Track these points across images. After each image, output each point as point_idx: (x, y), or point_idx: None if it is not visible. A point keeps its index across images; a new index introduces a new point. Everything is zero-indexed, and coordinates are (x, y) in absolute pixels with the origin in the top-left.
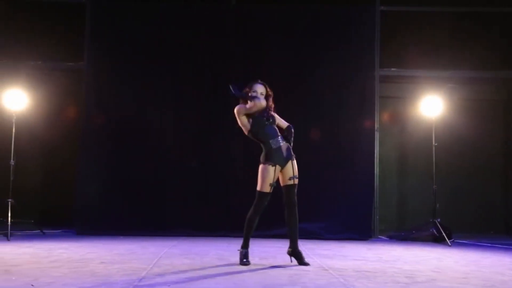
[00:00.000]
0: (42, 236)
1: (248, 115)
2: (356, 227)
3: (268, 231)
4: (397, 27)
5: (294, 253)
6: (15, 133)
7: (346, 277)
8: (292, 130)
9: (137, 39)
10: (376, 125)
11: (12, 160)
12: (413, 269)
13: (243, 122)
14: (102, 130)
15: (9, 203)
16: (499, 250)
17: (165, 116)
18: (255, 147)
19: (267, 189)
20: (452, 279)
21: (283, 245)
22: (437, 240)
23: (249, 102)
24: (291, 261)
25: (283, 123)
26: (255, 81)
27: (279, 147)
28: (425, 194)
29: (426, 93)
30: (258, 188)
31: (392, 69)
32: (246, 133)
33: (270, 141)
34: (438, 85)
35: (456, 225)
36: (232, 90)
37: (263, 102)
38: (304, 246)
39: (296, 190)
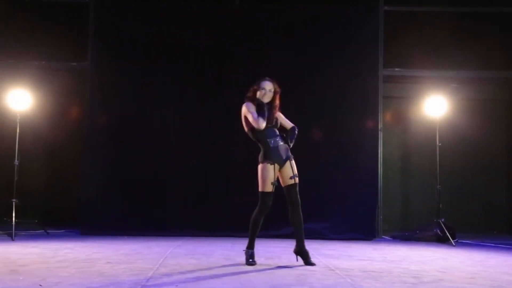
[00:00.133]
0: (46, 236)
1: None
2: (360, 227)
3: (273, 231)
4: (401, 27)
5: (301, 252)
6: (19, 133)
7: (352, 277)
8: (296, 131)
9: (140, 39)
10: (380, 125)
11: (16, 160)
12: (419, 269)
13: (260, 122)
14: (106, 130)
15: (13, 203)
16: (503, 250)
17: (169, 116)
18: (256, 147)
19: (269, 188)
20: (459, 279)
21: (288, 245)
22: (441, 240)
23: (252, 116)
24: (297, 260)
25: (288, 124)
26: (263, 78)
27: (277, 147)
28: (428, 194)
29: (430, 93)
30: (260, 188)
31: (396, 69)
32: (246, 130)
33: (268, 140)
34: (441, 85)
35: (459, 225)
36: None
37: (262, 125)
38: (309, 246)
39: (297, 189)
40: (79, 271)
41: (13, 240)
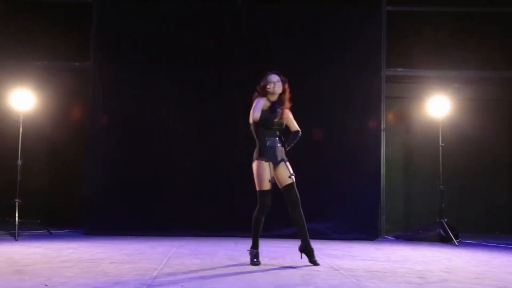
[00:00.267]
0: (50, 236)
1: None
2: (363, 227)
3: (275, 231)
4: (403, 27)
5: (306, 250)
6: (22, 133)
7: (357, 277)
8: (297, 137)
9: (143, 39)
10: (383, 125)
11: (19, 160)
12: (424, 269)
13: (255, 114)
14: (108, 130)
15: (17, 203)
16: (507, 250)
17: (171, 116)
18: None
19: (267, 186)
20: (464, 280)
21: (291, 245)
22: (443, 240)
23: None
24: (301, 258)
25: (293, 126)
26: (269, 72)
27: (273, 147)
28: (430, 194)
29: (433, 93)
30: (258, 187)
31: (399, 69)
32: (250, 121)
33: (267, 138)
34: (444, 85)
35: (462, 225)
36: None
37: (256, 116)
38: (313, 246)
39: (296, 188)
40: (83, 271)
41: (16, 240)
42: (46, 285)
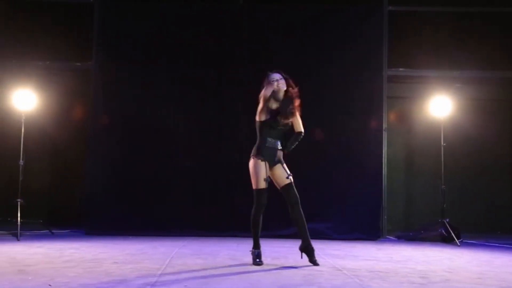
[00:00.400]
0: (51, 236)
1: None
2: (364, 227)
3: (277, 231)
4: (405, 27)
5: (306, 249)
6: (24, 133)
7: (360, 277)
8: (300, 138)
9: (145, 39)
10: (384, 125)
11: (21, 160)
12: (426, 269)
13: (263, 109)
14: (109, 130)
15: (18, 203)
16: (508, 250)
17: (176, 116)
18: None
19: (263, 185)
20: (466, 280)
21: (293, 245)
22: (445, 240)
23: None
24: (301, 257)
25: (298, 126)
26: (269, 72)
27: (272, 148)
28: (431, 194)
29: (434, 93)
30: (254, 186)
31: (400, 69)
32: (257, 119)
33: (268, 139)
34: (446, 85)
35: (463, 225)
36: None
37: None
38: (314, 246)
39: (294, 188)
40: (86, 271)
41: (18, 240)
42: (49, 285)
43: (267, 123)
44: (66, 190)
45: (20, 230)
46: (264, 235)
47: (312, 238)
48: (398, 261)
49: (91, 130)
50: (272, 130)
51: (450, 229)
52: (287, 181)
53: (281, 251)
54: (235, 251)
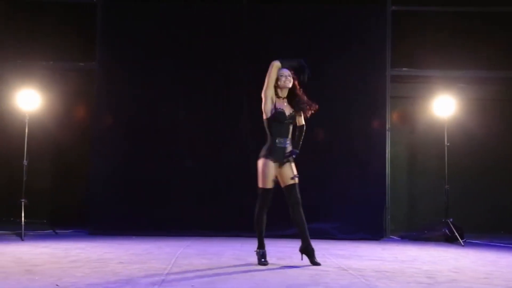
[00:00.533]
0: (55, 236)
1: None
2: (368, 227)
3: (281, 231)
4: (409, 27)
5: (307, 250)
6: (27, 133)
7: (366, 277)
8: (303, 131)
9: (148, 40)
10: (388, 125)
11: (25, 160)
12: (432, 269)
13: (267, 107)
14: (113, 130)
15: (23, 203)
16: None
17: (178, 116)
18: (258, 146)
19: (270, 184)
20: (473, 280)
21: (298, 245)
22: (449, 240)
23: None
24: (302, 259)
25: (301, 119)
26: (278, 61)
27: (283, 148)
28: (434, 194)
29: (438, 93)
30: (260, 184)
31: (404, 69)
32: (264, 118)
33: (277, 139)
34: (449, 85)
35: (466, 225)
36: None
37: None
38: (318, 246)
39: (297, 189)
40: (93, 271)
41: (22, 240)
42: (57, 285)
43: (274, 117)
44: (69, 190)
45: (24, 230)
46: (267, 235)
47: (316, 238)
48: (403, 261)
49: (95, 130)
50: (280, 125)
51: (453, 229)
52: (292, 182)
53: (286, 251)
54: (239, 251)
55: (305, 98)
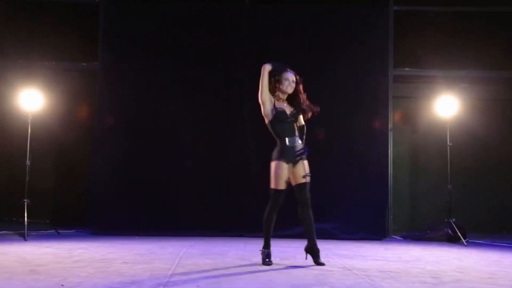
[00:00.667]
0: (58, 236)
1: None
2: (371, 227)
3: (284, 231)
4: (411, 27)
5: (312, 250)
6: (30, 133)
7: (371, 277)
8: (305, 131)
9: (148, 40)
10: (390, 125)
11: (28, 160)
12: (437, 269)
13: (266, 110)
14: (115, 130)
15: (25, 203)
16: None
17: (178, 116)
18: (269, 146)
19: (282, 186)
20: (477, 280)
21: (301, 245)
22: (451, 240)
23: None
24: (306, 258)
25: (301, 120)
26: (287, 69)
27: (294, 146)
28: (436, 194)
29: (440, 93)
30: (273, 185)
31: (406, 69)
32: (266, 122)
33: (287, 138)
34: (452, 85)
35: (468, 225)
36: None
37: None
38: (321, 246)
39: (308, 189)
40: (97, 271)
41: (25, 240)
42: (62, 285)
43: (276, 117)
44: (71, 190)
45: (27, 230)
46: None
47: (319, 238)
48: (407, 261)
49: (97, 130)
50: (283, 124)
51: (456, 229)
52: (303, 180)
53: (289, 251)
54: (243, 251)
55: (307, 102)
